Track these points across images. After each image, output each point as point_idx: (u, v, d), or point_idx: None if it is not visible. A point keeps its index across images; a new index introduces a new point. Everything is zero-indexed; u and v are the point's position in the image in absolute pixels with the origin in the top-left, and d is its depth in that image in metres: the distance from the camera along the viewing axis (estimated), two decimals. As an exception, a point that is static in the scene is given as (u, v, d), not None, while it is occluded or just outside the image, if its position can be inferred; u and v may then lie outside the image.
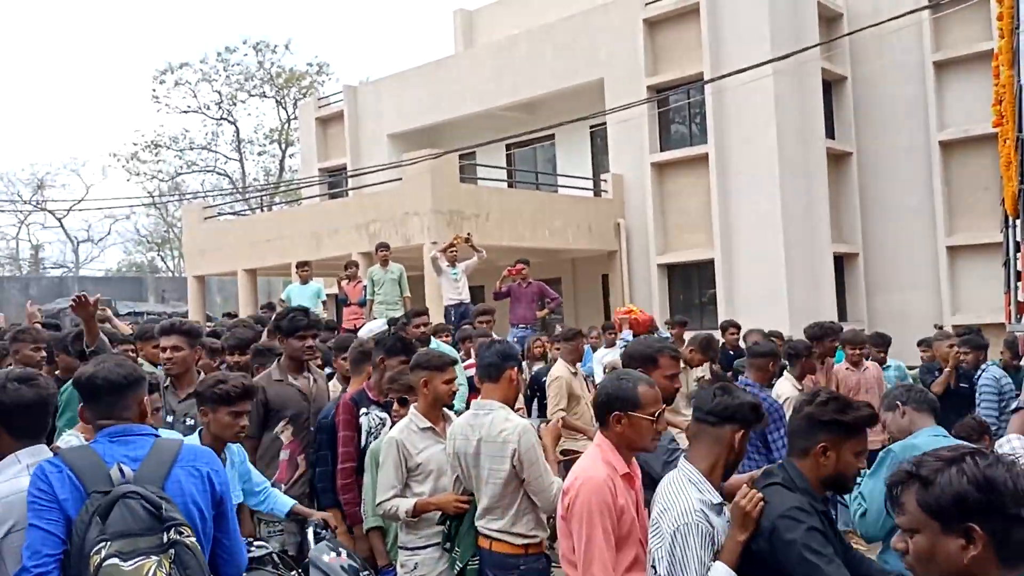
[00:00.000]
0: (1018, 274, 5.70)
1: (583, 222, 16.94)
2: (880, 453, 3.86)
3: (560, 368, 7.00)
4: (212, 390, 3.71)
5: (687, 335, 9.43)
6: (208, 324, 11.44)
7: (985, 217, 15.62)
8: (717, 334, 9.39)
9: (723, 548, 2.62)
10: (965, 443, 2.03)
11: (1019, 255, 5.49)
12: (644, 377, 3.13)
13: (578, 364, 7.20)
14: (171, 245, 44.33)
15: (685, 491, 2.72)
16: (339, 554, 3.82)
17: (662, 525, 2.68)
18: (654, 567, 2.70)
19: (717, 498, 2.74)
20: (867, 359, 7.69)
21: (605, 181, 18.00)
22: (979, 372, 7.04)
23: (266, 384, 4.76)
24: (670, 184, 17.35)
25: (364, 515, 4.40)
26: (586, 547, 2.86)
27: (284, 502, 4.16)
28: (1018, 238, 5.58)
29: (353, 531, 4.52)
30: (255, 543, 3.74)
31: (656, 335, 8.99)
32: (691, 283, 17.46)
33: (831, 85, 17.67)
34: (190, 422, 4.32)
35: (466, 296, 11.05)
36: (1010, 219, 7.10)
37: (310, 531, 4.03)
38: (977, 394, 6.86)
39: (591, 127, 18.78)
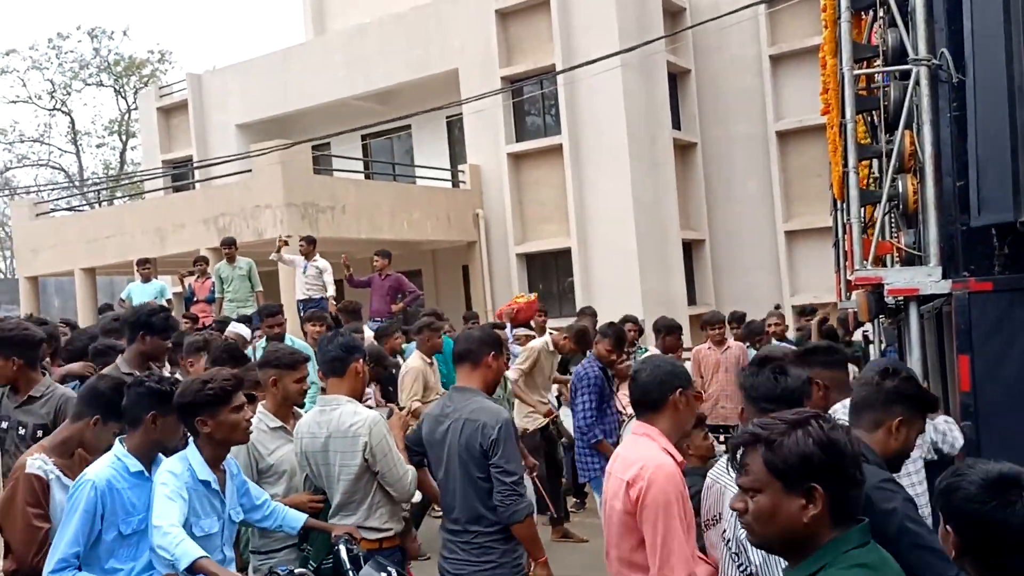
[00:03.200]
0: (845, 254, 6.08)
1: (442, 213, 16.87)
2: None
3: (415, 359, 7.04)
4: (201, 394, 3.12)
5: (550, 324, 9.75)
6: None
7: (818, 202, 16.64)
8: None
9: None
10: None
11: (845, 236, 5.86)
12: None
13: (434, 355, 7.20)
14: (1, 244, 41.15)
15: None
16: (390, 574, 3.37)
17: None
18: (737, 553, 2.61)
19: None
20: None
21: (463, 172, 17.98)
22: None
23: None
24: (526, 174, 17.54)
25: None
26: (664, 540, 2.66)
27: (294, 516, 3.59)
28: (844, 220, 5.96)
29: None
30: (296, 571, 3.27)
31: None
32: (549, 272, 17.73)
33: (676, 78, 18.35)
34: (22, 431, 3.95)
35: (317, 293, 10.68)
36: (837, 202, 7.57)
37: (342, 548, 3.44)
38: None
39: (447, 117, 18.73)
